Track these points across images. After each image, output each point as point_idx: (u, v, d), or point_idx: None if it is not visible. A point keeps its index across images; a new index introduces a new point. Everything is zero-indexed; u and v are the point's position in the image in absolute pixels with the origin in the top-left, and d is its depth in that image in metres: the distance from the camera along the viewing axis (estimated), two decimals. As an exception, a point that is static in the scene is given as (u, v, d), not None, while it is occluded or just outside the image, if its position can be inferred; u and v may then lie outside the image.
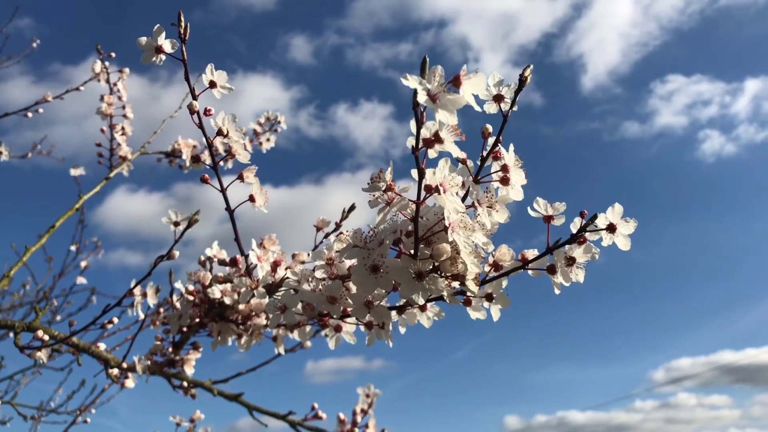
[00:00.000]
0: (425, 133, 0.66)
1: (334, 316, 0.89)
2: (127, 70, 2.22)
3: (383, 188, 0.76)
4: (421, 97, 0.60)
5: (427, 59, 0.60)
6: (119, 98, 2.17)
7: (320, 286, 0.89)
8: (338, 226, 1.31)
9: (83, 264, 3.13)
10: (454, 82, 0.63)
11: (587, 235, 0.81)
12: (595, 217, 0.79)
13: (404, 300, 0.89)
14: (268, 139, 2.38)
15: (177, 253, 1.26)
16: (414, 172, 0.70)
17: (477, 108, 0.68)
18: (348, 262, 0.89)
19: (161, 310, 1.56)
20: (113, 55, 2.22)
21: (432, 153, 0.70)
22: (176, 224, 1.22)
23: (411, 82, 0.60)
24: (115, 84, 2.18)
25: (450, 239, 0.72)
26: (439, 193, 0.69)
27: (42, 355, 1.37)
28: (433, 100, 0.61)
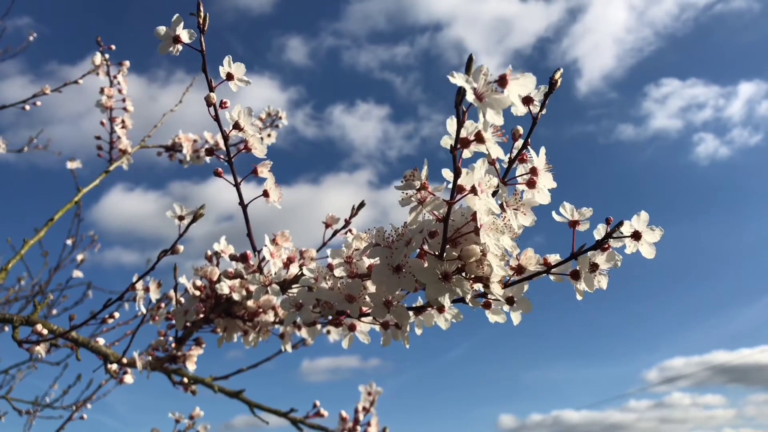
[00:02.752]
0: (463, 132, 0.66)
1: (352, 315, 0.88)
2: (127, 62, 2.18)
3: (417, 187, 0.75)
4: (470, 96, 0.59)
5: (473, 57, 0.59)
6: (119, 91, 2.14)
7: (338, 285, 0.88)
8: (347, 223, 1.30)
9: (79, 258, 3.09)
10: (500, 82, 0.62)
11: (611, 241, 0.81)
12: (620, 224, 0.79)
13: (425, 301, 0.88)
14: (269, 135, 2.36)
15: (181, 248, 1.24)
16: (447, 172, 0.69)
17: (522, 109, 0.67)
18: (367, 261, 0.88)
19: (161, 305, 1.54)
20: (113, 47, 2.19)
21: (467, 153, 0.70)
22: (181, 218, 1.20)
23: (458, 79, 0.59)
24: (115, 77, 2.14)
25: (481, 241, 0.71)
26: (475, 194, 0.68)
27: (40, 349, 1.35)
28: (480, 99, 0.61)
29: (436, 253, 0.77)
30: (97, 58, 2.15)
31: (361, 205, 1.30)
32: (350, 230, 1.30)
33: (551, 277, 0.84)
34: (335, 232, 1.29)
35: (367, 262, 0.88)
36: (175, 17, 0.99)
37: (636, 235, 0.80)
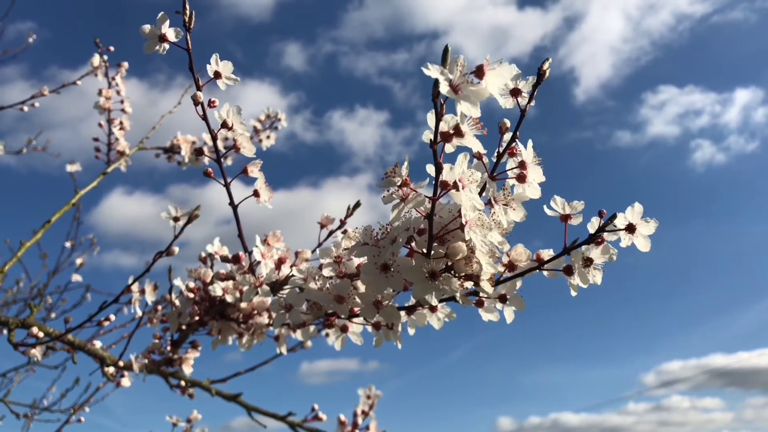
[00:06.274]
0: (443, 126, 0.63)
1: (342, 316, 0.86)
2: (125, 63, 2.18)
3: (398, 183, 0.73)
4: (443, 88, 0.57)
5: (449, 48, 0.57)
6: (117, 92, 2.13)
7: (327, 285, 0.87)
8: (343, 223, 1.28)
9: (78, 261, 3.09)
10: (477, 73, 0.60)
11: (605, 235, 0.78)
12: (614, 216, 0.77)
13: (414, 300, 0.86)
14: (268, 137, 2.34)
15: (176, 249, 1.23)
16: (430, 168, 0.67)
17: (501, 101, 0.65)
18: (357, 260, 0.86)
19: (159, 307, 1.53)
20: (112, 48, 2.18)
21: (449, 148, 0.68)
22: (176, 219, 1.19)
23: (432, 71, 0.57)
24: (113, 78, 2.14)
25: (466, 238, 0.69)
26: (457, 189, 0.66)
27: (36, 352, 1.34)
28: (455, 91, 0.59)
29: (424, 251, 0.75)
30: (96, 59, 2.15)
31: (357, 204, 1.29)
32: (345, 230, 1.28)
33: (545, 273, 0.82)
34: (330, 233, 1.27)
35: (356, 261, 0.86)
36: (160, 15, 0.98)
37: (630, 228, 0.77)
